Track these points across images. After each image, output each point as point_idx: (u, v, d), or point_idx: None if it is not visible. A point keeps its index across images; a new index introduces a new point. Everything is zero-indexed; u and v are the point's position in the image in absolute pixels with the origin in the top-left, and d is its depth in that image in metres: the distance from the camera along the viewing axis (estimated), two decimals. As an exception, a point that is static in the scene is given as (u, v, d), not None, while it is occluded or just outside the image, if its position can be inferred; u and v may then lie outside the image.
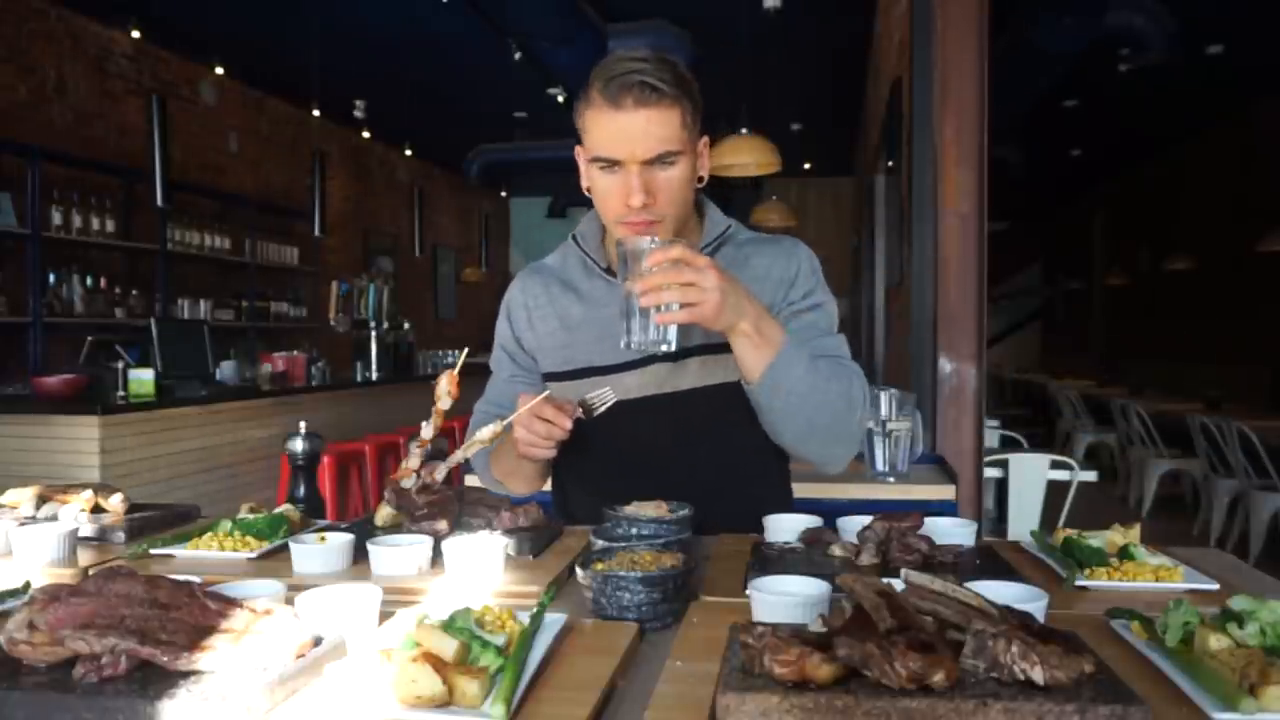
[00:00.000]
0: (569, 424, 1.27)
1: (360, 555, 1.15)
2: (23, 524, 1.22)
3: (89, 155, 6.05)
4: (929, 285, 3.23)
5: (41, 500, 1.34)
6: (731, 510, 1.37)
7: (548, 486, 1.56)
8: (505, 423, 1.38)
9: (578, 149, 1.39)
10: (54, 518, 1.30)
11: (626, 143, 1.27)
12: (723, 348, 1.37)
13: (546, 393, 1.32)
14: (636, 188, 1.27)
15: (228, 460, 4.59)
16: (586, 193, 1.41)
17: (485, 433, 1.36)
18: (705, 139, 1.38)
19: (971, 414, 3.15)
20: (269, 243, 7.85)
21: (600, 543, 1.10)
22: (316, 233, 6.56)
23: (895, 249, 4.67)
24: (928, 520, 1.18)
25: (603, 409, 1.33)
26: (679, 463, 1.42)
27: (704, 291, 1.15)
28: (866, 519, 1.16)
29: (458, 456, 1.36)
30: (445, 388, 1.35)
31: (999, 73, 3.46)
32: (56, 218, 5.66)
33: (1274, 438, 5.11)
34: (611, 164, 1.29)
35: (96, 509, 1.35)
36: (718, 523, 1.35)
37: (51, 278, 5.71)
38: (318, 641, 0.80)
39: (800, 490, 1.61)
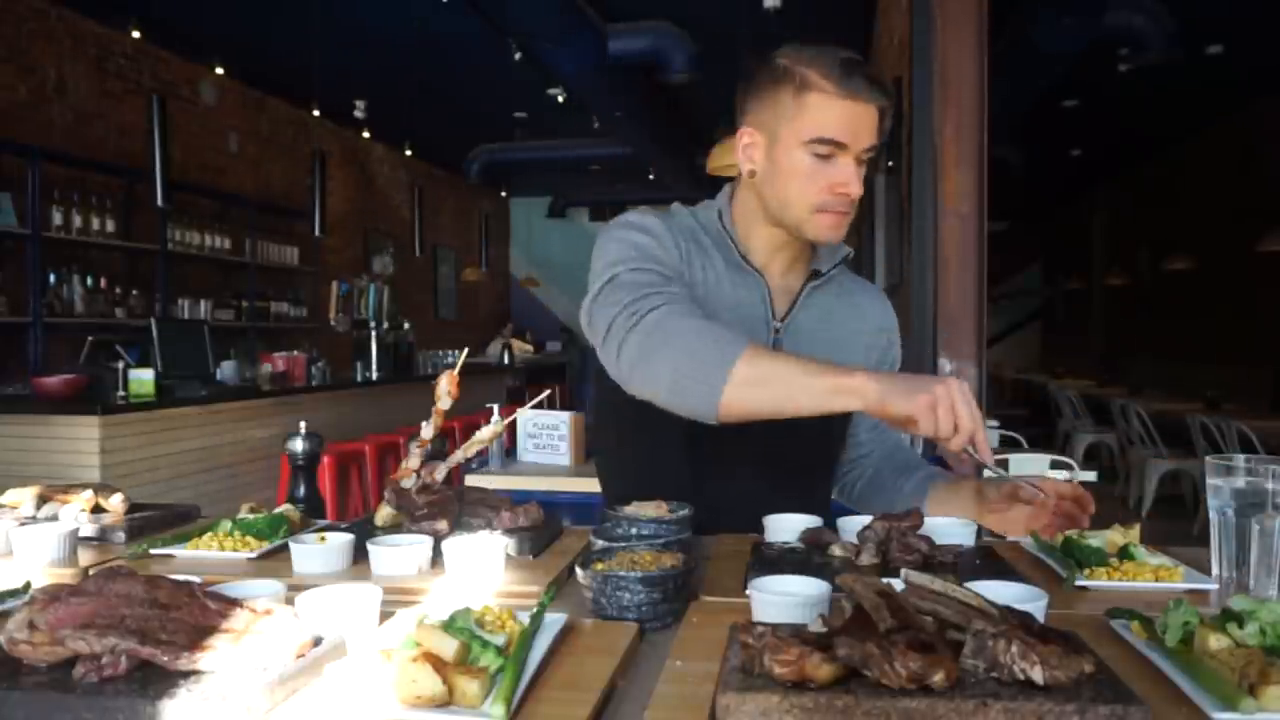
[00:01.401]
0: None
1: (360, 555, 1.15)
2: (23, 524, 1.22)
3: (89, 155, 6.05)
4: (929, 285, 3.23)
5: (42, 500, 1.34)
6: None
7: (563, 487, 1.56)
8: (507, 421, 1.39)
9: (744, 130, 1.37)
10: (54, 518, 1.30)
11: (856, 133, 1.29)
12: None
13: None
14: (855, 176, 1.30)
15: (228, 460, 4.59)
16: (749, 176, 1.38)
17: (485, 433, 1.36)
18: None
19: (971, 414, 3.15)
20: (269, 243, 7.85)
21: (600, 543, 1.10)
22: (316, 233, 6.56)
23: (895, 249, 4.67)
24: (928, 520, 1.18)
25: None
26: (747, 473, 1.42)
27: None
28: (866, 519, 1.16)
29: (458, 456, 1.36)
30: (445, 388, 1.35)
31: (999, 73, 3.46)
32: (56, 218, 5.66)
33: (1274, 438, 5.11)
34: (834, 149, 1.29)
35: (96, 509, 1.35)
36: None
37: (51, 278, 5.71)
38: (318, 641, 0.80)
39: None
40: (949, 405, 1.06)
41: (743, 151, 1.38)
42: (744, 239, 1.43)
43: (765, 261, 1.43)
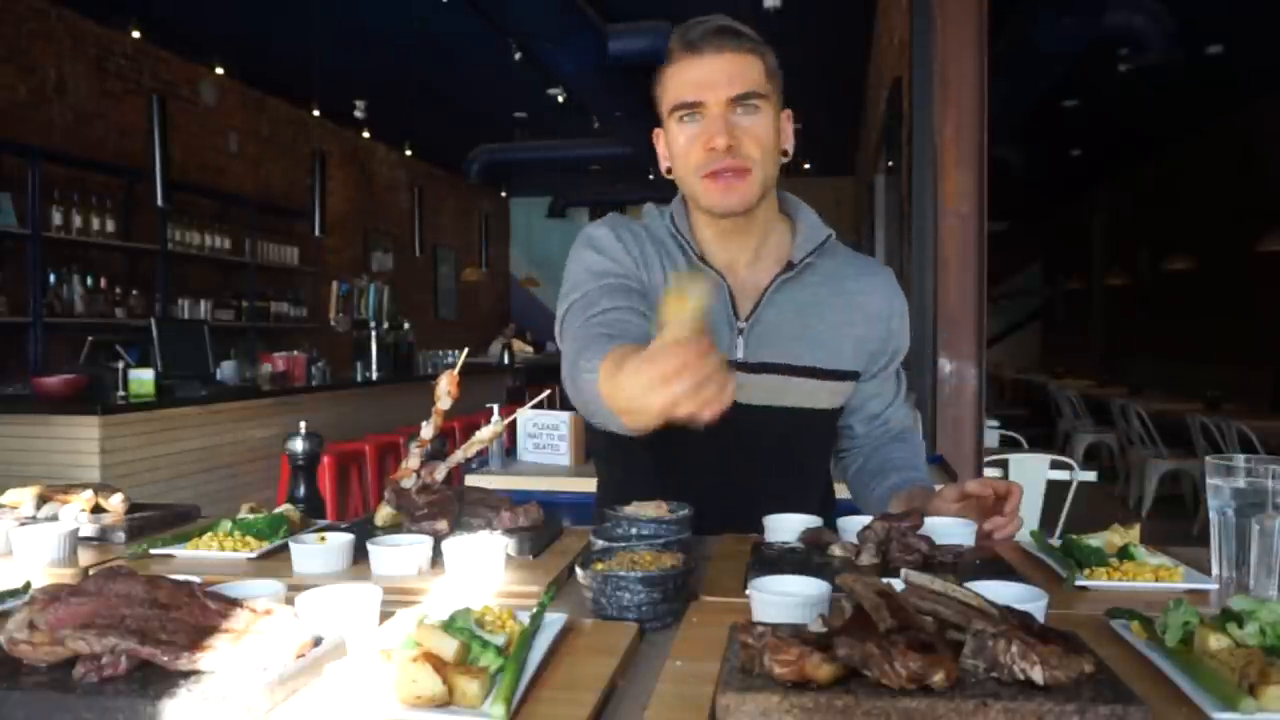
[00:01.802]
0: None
1: (360, 555, 1.15)
2: (23, 524, 1.22)
3: (89, 155, 6.05)
4: (929, 285, 3.24)
5: (42, 500, 1.34)
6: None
7: (562, 487, 1.55)
8: (507, 421, 1.39)
9: (656, 131, 1.39)
10: (54, 518, 1.30)
11: (708, 84, 1.28)
12: (798, 371, 1.37)
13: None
14: (719, 129, 1.27)
15: (228, 460, 4.59)
16: (667, 174, 1.39)
17: (485, 433, 1.36)
18: (788, 112, 1.37)
19: (971, 414, 3.15)
20: (269, 243, 7.85)
21: (600, 543, 1.10)
22: (316, 233, 6.56)
23: (895, 249, 4.67)
24: (928, 520, 1.18)
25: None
26: (729, 474, 1.39)
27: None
28: (866, 519, 1.16)
29: (458, 456, 1.36)
30: (445, 388, 1.35)
31: (999, 73, 3.46)
32: (56, 218, 5.66)
33: (1274, 438, 5.11)
34: (692, 110, 1.29)
35: (96, 509, 1.35)
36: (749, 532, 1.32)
37: (51, 278, 5.71)
38: (318, 641, 0.80)
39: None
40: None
41: (660, 154, 1.40)
42: (699, 238, 1.40)
43: (728, 258, 1.39)
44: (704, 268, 1.37)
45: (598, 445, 1.58)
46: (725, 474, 1.39)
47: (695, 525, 1.22)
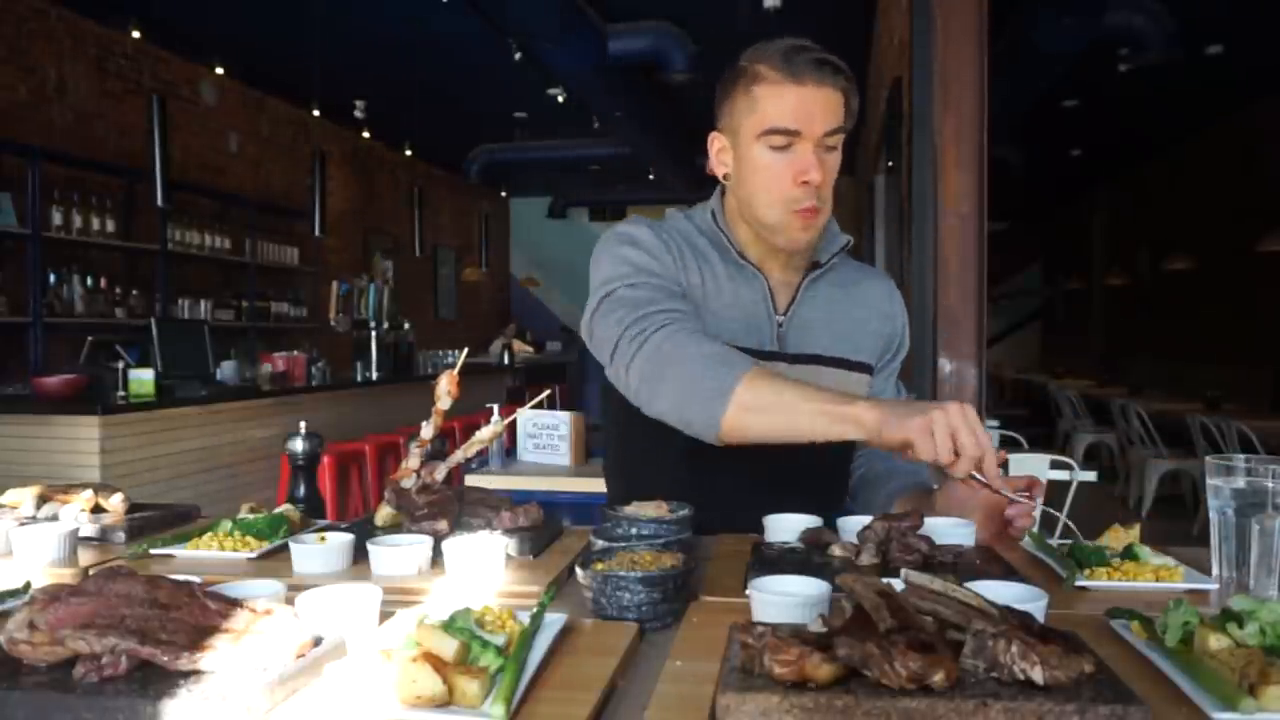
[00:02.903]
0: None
1: (360, 555, 1.15)
2: (23, 524, 1.22)
3: (89, 155, 6.05)
4: (929, 285, 3.23)
5: (42, 500, 1.34)
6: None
7: (563, 486, 1.55)
8: (507, 421, 1.39)
9: (714, 135, 1.39)
10: (54, 518, 1.30)
11: (808, 116, 1.28)
12: (831, 361, 1.42)
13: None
14: (814, 163, 1.28)
15: (228, 460, 4.59)
16: (724, 180, 1.40)
17: (485, 433, 1.36)
18: None
19: (971, 414, 3.15)
20: (269, 243, 7.85)
21: (600, 543, 1.10)
22: (316, 233, 6.56)
23: (895, 249, 4.67)
24: (928, 520, 1.18)
25: None
26: (769, 465, 1.37)
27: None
28: (867, 519, 1.16)
29: (458, 456, 1.36)
30: (445, 388, 1.35)
31: (999, 73, 3.46)
32: (56, 218, 5.66)
33: (1274, 438, 5.11)
34: (788, 138, 1.29)
35: (97, 509, 1.35)
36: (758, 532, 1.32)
37: (51, 278, 5.71)
38: (318, 641, 0.80)
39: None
40: (947, 430, 1.04)
41: (716, 156, 1.40)
42: (738, 237, 1.43)
43: (762, 257, 1.43)
44: (744, 264, 1.41)
45: (620, 446, 1.55)
46: (763, 465, 1.37)
47: (711, 528, 1.23)
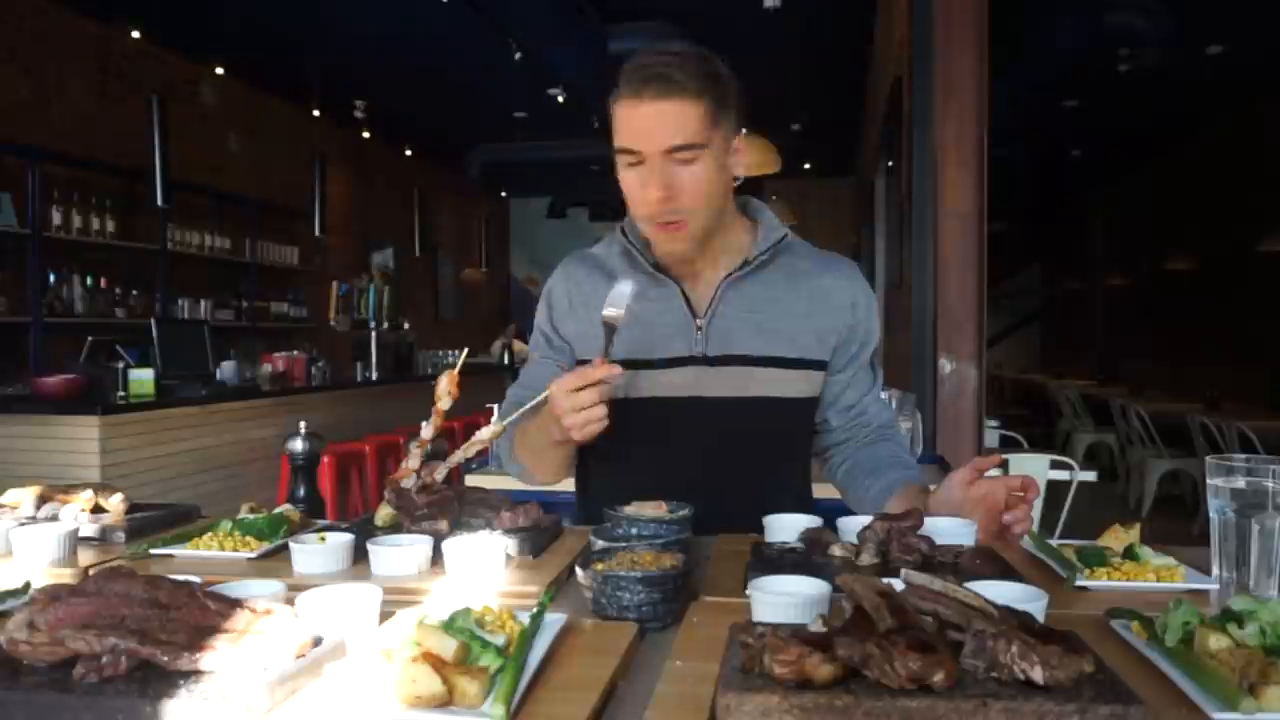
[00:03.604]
0: (615, 369, 1.23)
1: (360, 555, 1.15)
2: (23, 524, 1.22)
3: (89, 155, 6.04)
4: (929, 285, 3.24)
5: (42, 500, 1.34)
6: (749, 521, 1.32)
7: (563, 486, 1.55)
8: (508, 421, 1.39)
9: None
10: (54, 518, 1.30)
11: (645, 134, 1.29)
12: (761, 361, 1.42)
13: (576, 369, 1.27)
14: (654, 181, 1.29)
15: (228, 460, 4.59)
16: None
17: (485, 433, 1.36)
18: (740, 136, 1.37)
19: (971, 414, 3.15)
20: (269, 243, 7.85)
21: (600, 543, 1.10)
22: (316, 233, 6.57)
23: (895, 249, 4.67)
24: (928, 520, 1.18)
25: (621, 310, 1.27)
26: (705, 469, 1.41)
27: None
28: (866, 519, 1.16)
29: (458, 456, 1.36)
30: (445, 388, 1.35)
31: (999, 73, 3.46)
32: (56, 218, 5.66)
33: (1274, 438, 5.11)
34: (633, 157, 1.30)
35: (96, 509, 1.35)
36: (728, 529, 1.33)
37: (51, 278, 5.71)
38: (318, 641, 0.80)
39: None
40: None
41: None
42: (660, 248, 1.45)
43: (689, 263, 1.43)
44: (657, 274, 1.43)
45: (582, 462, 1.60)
46: (699, 467, 1.42)
47: (719, 520, 1.25)
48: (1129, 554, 1.12)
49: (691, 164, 1.30)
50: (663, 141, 1.28)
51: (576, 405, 1.21)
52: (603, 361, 1.23)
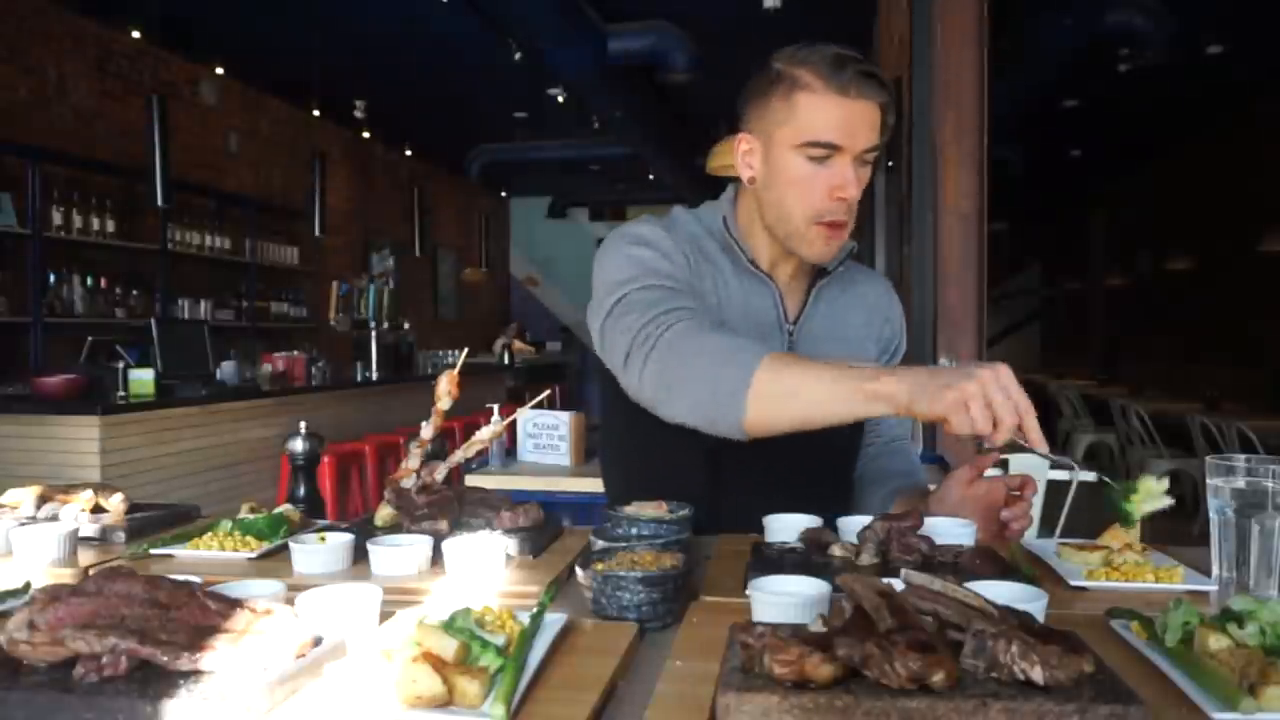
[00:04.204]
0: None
1: (360, 555, 1.15)
2: (23, 524, 1.22)
3: (89, 155, 6.04)
4: (929, 285, 3.23)
5: (42, 500, 1.34)
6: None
7: (563, 486, 1.53)
8: (507, 421, 1.39)
9: (742, 136, 1.34)
10: (54, 518, 1.30)
11: (851, 132, 1.24)
12: None
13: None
14: (852, 178, 1.26)
15: (228, 460, 4.59)
16: (749, 183, 1.35)
17: (485, 433, 1.36)
18: None
19: (971, 414, 3.15)
20: (269, 243, 7.85)
21: (600, 543, 1.10)
22: (316, 233, 6.56)
23: (895, 249, 4.67)
24: (928, 520, 1.18)
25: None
26: (769, 474, 1.36)
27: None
28: (867, 519, 1.16)
29: (458, 456, 1.36)
30: (445, 388, 1.35)
31: (999, 73, 3.46)
32: (56, 218, 5.66)
33: (1274, 438, 5.11)
34: (828, 151, 1.25)
35: (97, 509, 1.35)
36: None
37: (51, 278, 5.71)
38: (318, 641, 0.80)
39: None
40: (981, 401, 0.99)
41: (742, 159, 1.35)
42: (750, 242, 1.40)
43: (773, 263, 1.41)
44: (756, 271, 1.39)
45: (624, 443, 1.53)
46: (766, 471, 1.36)
47: (741, 522, 1.23)
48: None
49: (867, 166, 1.29)
50: (865, 140, 1.25)
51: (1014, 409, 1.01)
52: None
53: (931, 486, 1.38)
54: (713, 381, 1.13)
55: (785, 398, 1.10)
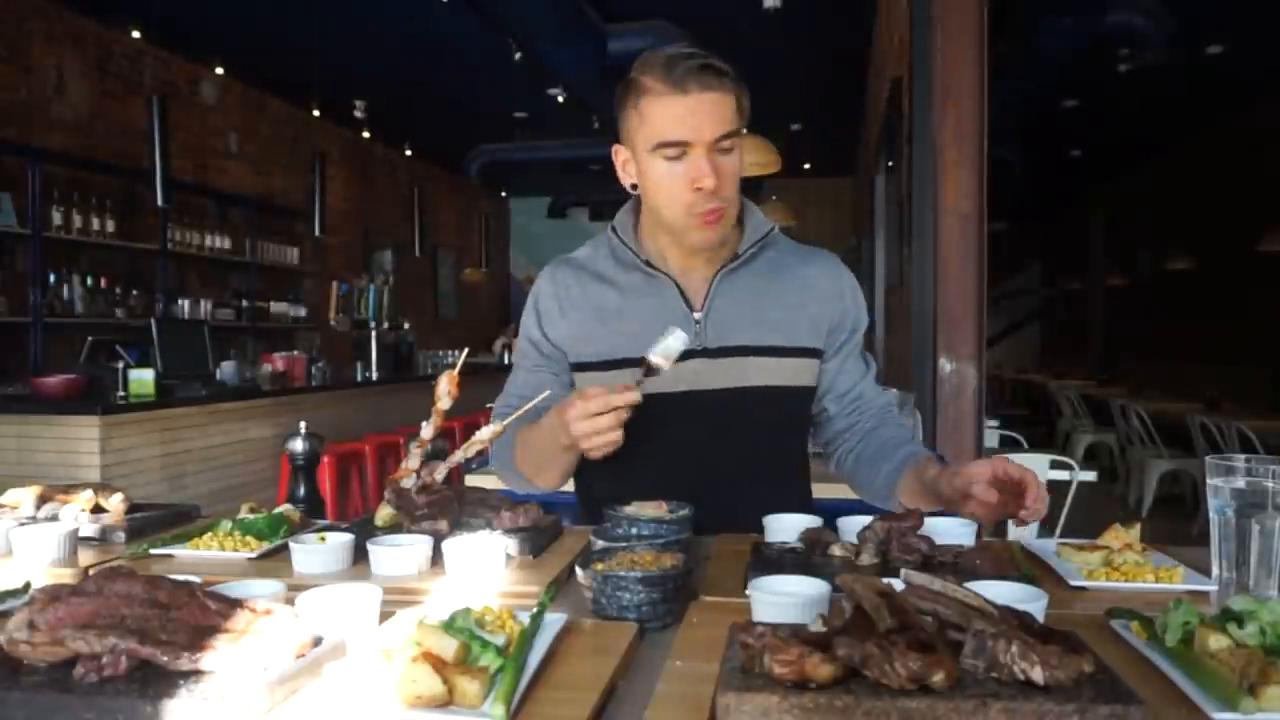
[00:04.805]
0: (637, 396, 1.22)
1: (360, 555, 1.15)
2: (23, 524, 1.22)
3: (89, 155, 6.04)
4: (929, 285, 3.23)
5: (42, 500, 1.34)
6: (750, 513, 1.34)
7: (564, 486, 1.54)
8: (507, 422, 1.39)
9: (616, 148, 1.42)
10: (54, 518, 1.30)
11: (692, 125, 1.29)
12: (759, 351, 1.43)
13: (593, 388, 1.24)
14: (707, 170, 1.30)
15: (228, 460, 4.59)
16: (631, 189, 1.43)
17: (485, 433, 1.36)
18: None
19: (971, 414, 3.15)
20: (269, 243, 7.85)
21: (600, 543, 1.10)
22: (316, 233, 6.56)
23: (895, 249, 4.67)
24: (928, 520, 1.18)
25: (668, 363, 1.25)
26: (705, 461, 1.43)
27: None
28: (866, 519, 1.16)
29: (458, 456, 1.36)
30: (445, 388, 1.35)
31: (999, 73, 3.46)
32: (56, 218, 5.66)
33: (1274, 438, 5.11)
34: (679, 149, 1.30)
35: (97, 509, 1.35)
36: (733, 525, 1.34)
37: (51, 278, 5.71)
38: (318, 641, 0.80)
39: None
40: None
41: (622, 169, 1.43)
42: (654, 244, 1.46)
43: (683, 259, 1.45)
44: (652, 272, 1.44)
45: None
46: (699, 460, 1.43)
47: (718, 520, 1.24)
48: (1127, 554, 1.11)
49: (730, 153, 1.32)
50: (711, 131, 1.29)
51: (596, 429, 1.20)
52: (627, 389, 1.22)
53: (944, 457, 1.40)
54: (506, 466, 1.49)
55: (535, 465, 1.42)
